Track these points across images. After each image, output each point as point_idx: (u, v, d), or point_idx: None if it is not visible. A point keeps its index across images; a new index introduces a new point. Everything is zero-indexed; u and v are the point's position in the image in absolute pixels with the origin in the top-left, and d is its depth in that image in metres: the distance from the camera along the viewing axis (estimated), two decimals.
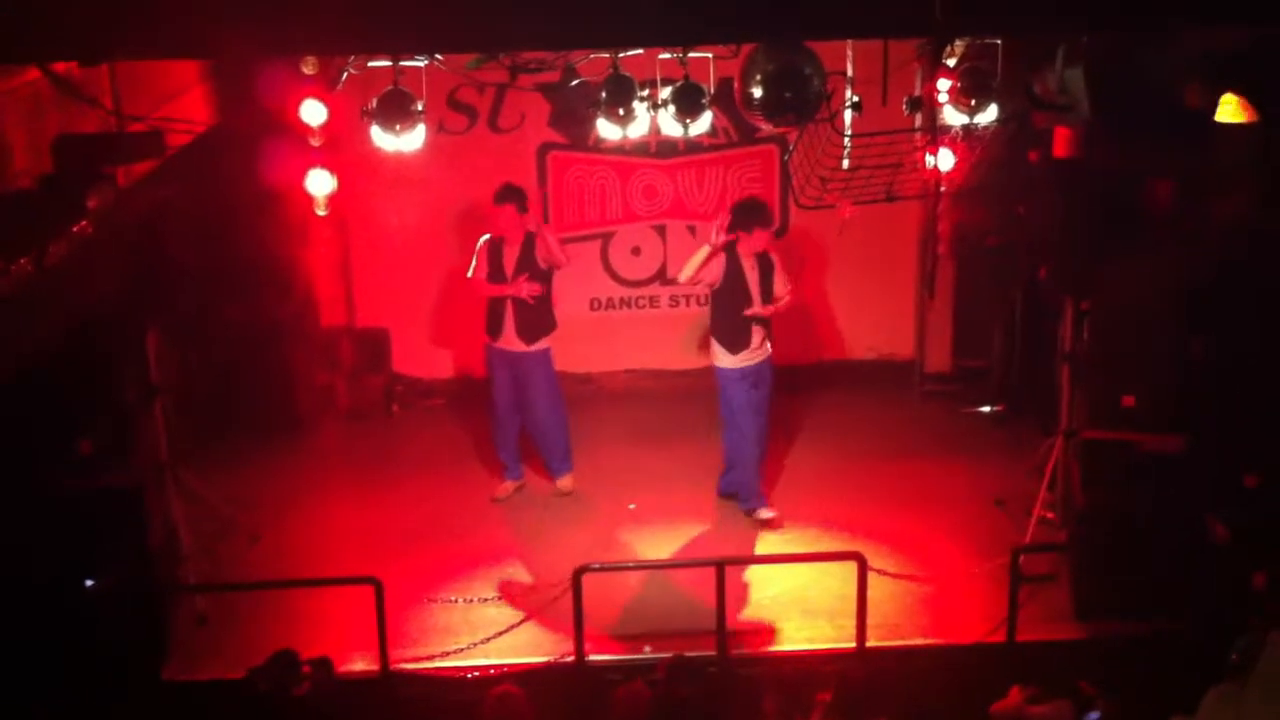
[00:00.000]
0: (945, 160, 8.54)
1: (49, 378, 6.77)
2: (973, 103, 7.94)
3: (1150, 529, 7.69)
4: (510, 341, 9.33)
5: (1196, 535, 7.55)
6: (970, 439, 10.46)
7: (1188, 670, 5.86)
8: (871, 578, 7.54)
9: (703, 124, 8.06)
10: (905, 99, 8.43)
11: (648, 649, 7.69)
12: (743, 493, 9.27)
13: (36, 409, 6.77)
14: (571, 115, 10.52)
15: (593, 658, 7.50)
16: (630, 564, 8.64)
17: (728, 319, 9.02)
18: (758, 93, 7.24)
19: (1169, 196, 8.47)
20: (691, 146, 10.62)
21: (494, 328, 9.36)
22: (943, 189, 8.97)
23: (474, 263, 9.34)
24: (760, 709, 6.49)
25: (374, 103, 7.72)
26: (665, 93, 7.92)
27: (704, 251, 8.83)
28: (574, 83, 8.25)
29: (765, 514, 9.20)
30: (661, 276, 11.27)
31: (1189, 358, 8.18)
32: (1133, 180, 8.36)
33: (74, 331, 6.94)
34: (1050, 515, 8.70)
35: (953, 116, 8.14)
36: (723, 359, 9.07)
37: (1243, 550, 7.33)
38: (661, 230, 11.22)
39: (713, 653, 7.38)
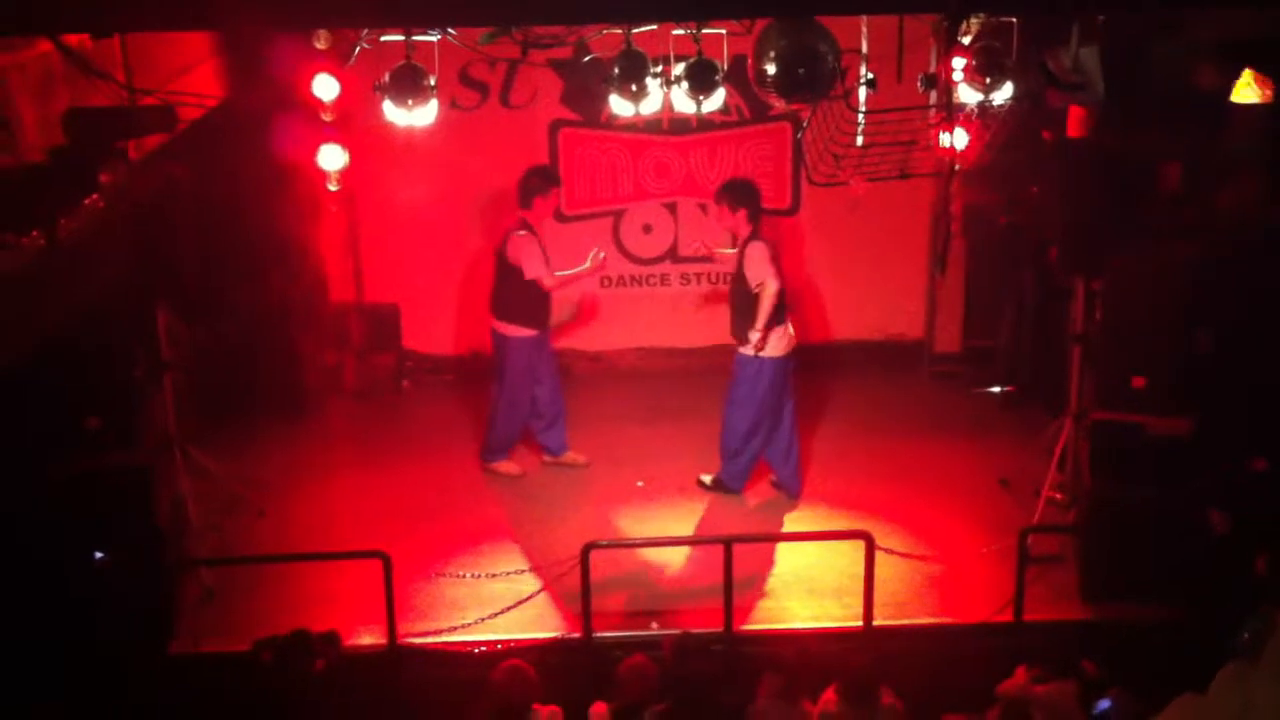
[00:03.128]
0: (959, 138, 8.50)
1: (59, 354, 6.77)
2: (988, 81, 7.88)
3: (1158, 511, 7.68)
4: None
5: (1203, 519, 7.55)
6: (979, 419, 10.45)
7: (1194, 652, 5.85)
8: (879, 557, 7.54)
9: (716, 101, 8.04)
10: (920, 76, 8.38)
11: (654, 625, 7.70)
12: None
13: (46, 385, 6.77)
14: (584, 92, 10.44)
15: (600, 634, 7.51)
16: (638, 541, 8.64)
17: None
18: (771, 69, 7.23)
19: (1179, 179, 8.44)
20: (704, 124, 10.60)
21: (543, 318, 9.26)
22: (956, 168, 8.93)
23: (537, 262, 9.03)
24: (765, 687, 6.51)
25: (386, 77, 7.71)
26: (678, 69, 7.90)
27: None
28: (586, 59, 8.20)
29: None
30: (672, 254, 11.24)
31: (1197, 343, 8.15)
32: (1145, 161, 8.33)
33: (84, 307, 6.94)
34: (1058, 496, 8.69)
35: (967, 94, 8.10)
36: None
37: (1245, 537, 7.31)
38: (673, 208, 11.19)
39: (719, 630, 7.40)
